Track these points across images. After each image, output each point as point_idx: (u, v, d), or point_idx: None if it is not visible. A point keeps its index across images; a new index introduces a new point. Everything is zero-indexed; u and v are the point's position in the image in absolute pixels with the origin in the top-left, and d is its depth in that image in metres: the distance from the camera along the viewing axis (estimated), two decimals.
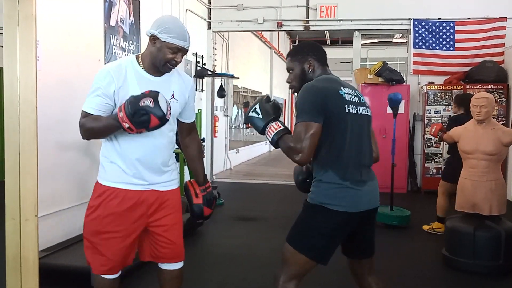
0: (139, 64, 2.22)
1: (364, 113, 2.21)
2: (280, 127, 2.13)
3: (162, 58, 2.16)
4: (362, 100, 2.25)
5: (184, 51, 2.20)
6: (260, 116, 2.18)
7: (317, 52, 2.29)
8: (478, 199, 3.90)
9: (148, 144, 2.21)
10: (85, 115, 2.15)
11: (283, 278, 2.17)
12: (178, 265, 2.39)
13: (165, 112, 1.99)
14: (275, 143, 2.13)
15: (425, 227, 5.20)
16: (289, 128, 2.12)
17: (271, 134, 2.13)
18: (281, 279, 2.17)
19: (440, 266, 4.06)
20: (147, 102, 1.95)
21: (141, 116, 1.96)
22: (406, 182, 7.85)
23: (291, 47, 19.09)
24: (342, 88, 2.15)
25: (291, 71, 2.31)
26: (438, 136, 4.77)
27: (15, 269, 2.19)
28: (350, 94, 2.17)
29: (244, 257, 4.26)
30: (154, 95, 1.99)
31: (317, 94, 2.08)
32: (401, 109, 7.59)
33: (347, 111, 2.10)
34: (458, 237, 3.96)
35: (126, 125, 1.99)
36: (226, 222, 5.64)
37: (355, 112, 2.14)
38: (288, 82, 2.34)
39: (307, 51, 2.28)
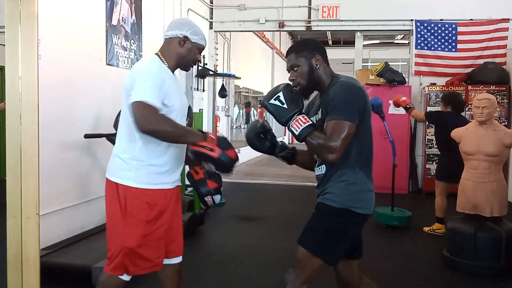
0: (164, 63, 2.27)
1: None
2: (309, 121, 2.00)
3: (191, 58, 2.31)
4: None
5: (203, 50, 2.39)
6: (285, 106, 2.03)
7: (322, 49, 2.20)
8: (479, 200, 3.89)
9: (180, 147, 2.31)
10: (158, 109, 2.06)
11: (296, 283, 2.09)
12: (178, 259, 2.43)
13: (235, 163, 2.16)
14: (302, 138, 2.00)
15: (426, 229, 5.19)
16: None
17: (298, 128, 1.99)
18: (292, 281, 2.09)
19: (441, 267, 4.06)
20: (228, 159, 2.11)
21: (228, 144, 2.12)
22: (407, 183, 7.84)
23: None
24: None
25: (295, 68, 2.15)
26: (406, 106, 5.04)
27: (16, 267, 2.19)
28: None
29: (245, 257, 4.26)
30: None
31: (359, 94, 2.04)
32: (402, 110, 7.58)
33: (370, 113, 2.13)
34: (459, 238, 3.96)
35: (212, 136, 2.09)
36: (227, 222, 5.65)
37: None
38: (292, 80, 2.17)
39: (313, 47, 2.17)
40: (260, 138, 2.22)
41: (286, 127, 2.07)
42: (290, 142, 19.67)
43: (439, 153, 5.30)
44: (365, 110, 2.05)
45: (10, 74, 2.13)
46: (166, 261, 2.38)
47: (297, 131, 2.00)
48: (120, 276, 2.27)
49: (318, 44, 2.23)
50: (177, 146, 2.27)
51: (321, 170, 2.18)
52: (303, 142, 2.03)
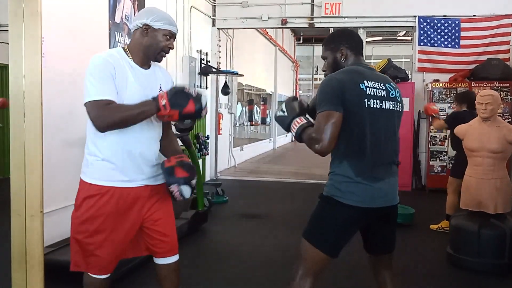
0: (128, 56, 2.19)
1: (391, 108, 2.17)
2: (303, 121, 2.13)
3: (157, 46, 2.17)
4: (392, 94, 2.19)
5: (175, 36, 2.23)
6: (286, 114, 2.21)
7: (351, 40, 2.26)
8: (483, 197, 3.88)
9: (145, 136, 2.21)
10: (106, 103, 2.02)
11: (300, 274, 2.16)
12: (174, 258, 2.37)
13: (202, 107, 2.04)
14: (298, 136, 2.13)
15: (433, 227, 5.16)
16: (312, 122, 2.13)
17: (294, 128, 2.14)
18: (298, 275, 2.17)
19: (445, 264, 4.06)
20: (192, 90, 2.04)
21: (180, 97, 2.01)
22: (411, 180, 7.83)
23: (296, 44, 19.11)
24: (365, 81, 2.10)
25: (325, 60, 2.32)
26: (430, 115, 4.87)
27: (20, 265, 2.20)
28: (375, 88, 2.12)
29: (248, 255, 4.26)
30: (199, 90, 2.09)
31: (335, 85, 2.06)
32: (406, 107, 7.58)
33: (366, 105, 2.07)
34: (463, 235, 3.95)
35: (163, 102, 2.00)
36: (230, 220, 5.65)
37: (377, 106, 2.10)
38: (323, 70, 2.35)
39: (340, 39, 2.26)
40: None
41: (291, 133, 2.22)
42: (293, 139, 19.68)
43: (455, 152, 5.19)
44: (346, 101, 2.04)
45: (14, 72, 2.13)
46: (161, 261, 2.34)
47: (294, 131, 2.15)
48: (92, 275, 2.26)
49: (348, 35, 2.29)
50: (140, 141, 2.19)
51: None
52: (302, 141, 2.14)
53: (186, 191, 2.18)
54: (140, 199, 2.22)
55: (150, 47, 2.18)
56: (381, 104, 2.12)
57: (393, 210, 2.26)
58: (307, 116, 2.21)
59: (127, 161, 2.17)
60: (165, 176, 2.20)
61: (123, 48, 2.22)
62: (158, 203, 2.30)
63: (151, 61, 2.27)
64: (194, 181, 2.22)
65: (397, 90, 2.24)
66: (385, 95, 2.15)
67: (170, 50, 2.24)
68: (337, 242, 2.16)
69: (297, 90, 20.09)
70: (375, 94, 2.11)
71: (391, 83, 2.23)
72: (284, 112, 2.22)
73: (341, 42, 2.25)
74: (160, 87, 2.25)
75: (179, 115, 2.04)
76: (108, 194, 2.16)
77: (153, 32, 2.16)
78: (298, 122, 2.13)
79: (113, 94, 2.06)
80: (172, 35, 2.20)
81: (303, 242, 2.19)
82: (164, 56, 2.25)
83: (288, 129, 2.20)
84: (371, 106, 2.09)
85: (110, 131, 2.09)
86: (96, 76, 2.06)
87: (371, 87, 2.11)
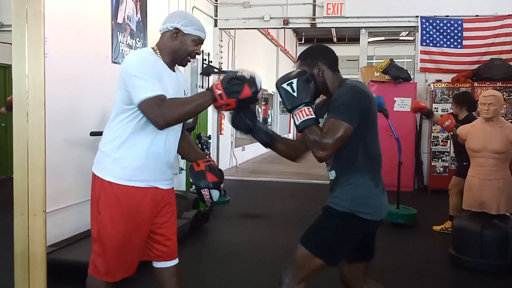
0: (158, 56, 2.15)
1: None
2: (312, 115, 2.01)
3: (185, 51, 2.15)
4: None
5: (202, 42, 2.20)
6: (295, 94, 2.03)
7: (327, 56, 2.20)
8: (486, 198, 3.88)
9: (170, 138, 2.17)
10: (161, 99, 1.95)
11: (292, 281, 2.11)
12: (173, 262, 2.32)
13: (258, 89, 1.97)
14: (301, 130, 2.03)
15: (436, 228, 5.15)
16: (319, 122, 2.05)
17: (300, 118, 2.01)
18: (288, 279, 2.12)
19: (447, 265, 4.05)
20: (245, 74, 1.96)
21: (235, 84, 1.95)
22: (413, 181, 7.82)
23: (297, 44, 19.09)
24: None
25: None
26: (451, 132, 4.69)
27: (23, 264, 2.21)
28: None
29: (250, 254, 4.27)
30: (252, 71, 2.00)
31: (363, 96, 2.03)
32: (408, 107, 7.57)
33: (376, 120, 2.12)
34: (465, 236, 3.94)
35: (218, 92, 1.94)
36: (232, 219, 5.65)
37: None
38: None
39: (317, 55, 2.19)
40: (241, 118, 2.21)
41: (291, 114, 2.09)
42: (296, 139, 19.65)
43: (460, 155, 5.10)
44: (369, 112, 2.04)
45: (17, 72, 2.14)
46: (160, 265, 2.29)
47: (298, 121, 2.02)
48: (105, 281, 2.19)
49: (324, 51, 2.22)
50: (165, 143, 2.14)
51: (332, 175, 2.19)
52: (301, 133, 2.06)
53: (216, 194, 2.22)
54: (155, 201, 2.18)
55: (178, 51, 2.15)
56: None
57: None
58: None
59: (151, 162, 2.12)
60: (195, 179, 2.21)
61: (153, 48, 2.18)
62: (167, 206, 2.27)
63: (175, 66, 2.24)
64: (222, 185, 2.26)
65: None
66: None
67: (197, 56, 2.22)
68: (344, 254, 2.15)
69: None
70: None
71: None
72: (294, 90, 2.03)
73: (318, 58, 2.18)
74: (184, 92, 2.26)
75: (237, 102, 1.97)
76: (135, 195, 2.11)
77: (182, 36, 2.14)
78: (307, 113, 2.00)
79: (163, 89, 2.00)
80: (200, 41, 2.18)
81: (300, 249, 2.13)
82: (190, 61, 2.23)
83: (290, 111, 2.07)
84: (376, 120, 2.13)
85: (177, 124, 2.07)
86: (143, 73, 1.98)
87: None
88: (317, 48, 2.27)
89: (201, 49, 2.23)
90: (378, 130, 2.13)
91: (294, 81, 2.04)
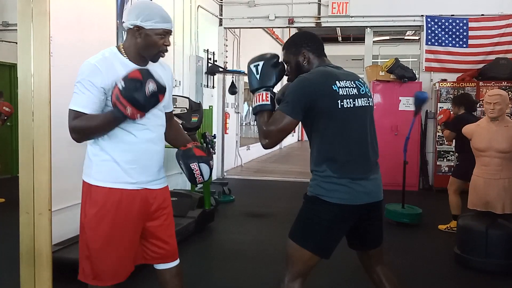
0: (123, 55, 2.05)
1: (364, 104, 2.15)
2: (268, 101, 2.10)
3: (153, 48, 2.02)
4: (363, 91, 2.17)
5: (170, 32, 2.05)
6: (258, 76, 2.12)
7: (312, 42, 2.21)
8: (491, 197, 3.86)
9: (151, 136, 2.10)
10: (77, 115, 1.95)
11: (288, 278, 2.15)
12: (175, 262, 2.27)
13: (162, 84, 1.90)
14: (255, 113, 2.12)
15: (442, 227, 5.15)
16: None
17: (256, 102, 2.11)
18: (286, 279, 2.16)
19: (452, 264, 4.04)
20: (151, 86, 1.84)
21: (151, 101, 1.87)
22: (418, 180, 7.79)
23: None
24: (337, 82, 2.08)
25: (286, 64, 2.25)
26: (439, 127, 4.82)
27: (29, 262, 2.22)
28: (346, 87, 2.10)
29: (254, 253, 4.27)
30: (146, 72, 1.87)
31: (307, 89, 2.04)
32: (413, 107, 7.54)
33: (339, 106, 2.06)
34: (470, 235, 3.93)
35: (138, 116, 1.87)
36: (237, 218, 5.66)
37: (351, 106, 2.09)
38: (286, 75, 2.27)
39: (301, 42, 2.21)
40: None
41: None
42: (300, 139, 19.66)
43: (458, 154, 5.25)
44: (319, 105, 2.03)
45: (23, 71, 2.15)
46: (161, 267, 2.25)
47: (255, 103, 2.12)
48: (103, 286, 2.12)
49: (308, 38, 2.23)
50: (151, 142, 2.09)
51: None
52: (255, 115, 2.13)
53: (206, 170, 2.16)
54: (146, 202, 2.12)
55: (146, 49, 2.03)
56: (354, 102, 2.10)
57: (378, 206, 2.24)
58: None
59: (131, 162, 2.05)
60: (182, 158, 2.16)
61: (118, 47, 2.08)
62: (162, 208, 2.20)
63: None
64: (212, 163, 2.19)
65: (366, 85, 2.24)
66: (357, 93, 2.13)
67: (168, 48, 2.08)
68: (326, 242, 2.14)
69: None
70: (348, 93, 2.09)
71: (360, 80, 2.22)
72: (258, 72, 2.11)
73: (302, 45, 2.20)
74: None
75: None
76: (118, 197, 2.04)
77: (145, 32, 1.99)
78: (264, 98, 2.10)
79: (94, 105, 1.96)
80: (166, 33, 2.03)
81: (289, 243, 2.17)
82: (163, 56, 2.11)
83: (252, 93, 2.15)
84: (345, 106, 2.07)
85: (86, 140, 2.05)
86: (79, 85, 1.97)
87: (343, 87, 2.09)
88: (300, 35, 2.28)
89: (170, 40, 2.08)
90: (344, 121, 2.07)
91: (261, 63, 2.13)
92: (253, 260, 4.08)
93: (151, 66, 2.09)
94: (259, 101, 2.10)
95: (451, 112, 5.29)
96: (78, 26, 4.35)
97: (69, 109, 1.97)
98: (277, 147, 15.33)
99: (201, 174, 2.14)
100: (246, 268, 3.89)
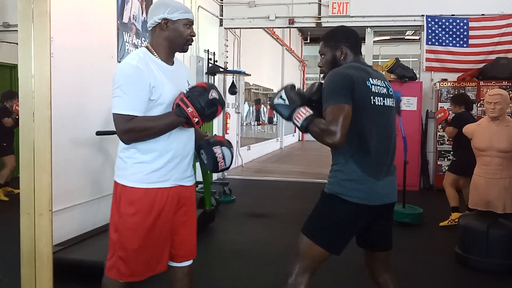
0: (154, 55, 2.12)
1: (391, 105, 2.19)
2: (309, 111, 2.07)
3: (182, 37, 2.12)
4: (390, 91, 2.22)
5: (193, 23, 2.18)
6: (286, 102, 2.13)
7: (351, 39, 2.24)
8: (492, 197, 3.86)
9: (184, 136, 2.16)
10: (128, 118, 1.98)
11: (297, 270, 2.14)
12: (189, 261, 2.31)
13: (222, 98, 2.04)
14: (304, 128, 2.06)
15: (443, 223, 5.19)
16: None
17: (299, 119, 2.07)
18: (294, 271, 2.15)
19: (453, 264, 4.04)
20: (214, 94, 2.01)
21: (211, 108, 2.00)
22: (419, 180, 7.79)
23: (303, 44, 19.08)
24: (370, 79, 2.11)
25: (322, 56, 2.28)
26: (440, 125, 4.89)
27: (29, 263, 2.22)
28: (378, 85, 2.13)
29: (255, 254, 4.27)
30: (213, 85, 2.04)
31: (345, 79, 2.05)
32: (414, 106, 7.56)
33: (372, 103, 2.08)
34: (471, 235, 3.93)
35: (196, 120, 1.99)
36: (238, 219, 5.66)
37: (381, 104, 2.12)
38: (319, 66, 2.31)
39: (341, 38, 2.23)
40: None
41: (292, 123, 2.15)
42: (300, 139, 19.67)
43: (455, 151, 5.37)
44: (355, 96, 2.03)
45: (23, 72, 2.15)
46: (175, 264, 2.27)
47: (299, 122, 2.08)
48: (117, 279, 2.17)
49: (348, 34, 2.26)
50: (184, 140, 2.16)
51: None
52: (308, 133, 2.08)
53: (228, 155, 2.22)
54: (175, 199, 2.17)
55: (175, 40, 2.12)
56: (383, 101, 2.14)
57: (392, 207, 2.27)
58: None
59: (169, 162, 2.11)
60: (205, 146, 2.22)
61: (147, 47, 2.15)
62: (188, 205, 2.25)
63: (174, 56, 2.22)
64: (233, 150, 2.27)
65: (390, 87, 2.27)
66: (386, 92, 2.17)
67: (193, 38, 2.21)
68: (339, 239, 2.15)
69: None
70: (379, 91, 2.13)
71: (387, 81, 2.25)
72: (284, 100, 2.14)
73: (341, 41, 2.22)
74: (188, 82, 2.22)
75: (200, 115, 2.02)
76: (156, 196, 2.09)
77: (173, 24, 2.10)
78: (304, 112, 2.06)
79: (143, 107, 2.02)
80: (191, 23, 2.15)
81: (302, 238, 2.18)
82: (191, 45, 2.20)
83: (289, 119, 2.14)
84: (376, 103, 2.10)
85: (142, 141, 2.07)
86: (125, 87, 1.99)
87: (375, 85, 2.12)
88: (341, 30, 2.29)
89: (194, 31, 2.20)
90: (373, 117, 2.10)
91: (282, 92, 2.16)
92: (254, 260, 4.08)
93: (176, 66, 2.21)
94: (301, 117, 2.06)
95: (449, 111, 5.40)
96: (79, 27, 4.35)
97: (117, 114, 2.00)
98: (278, 147, 15.35)
99: (224, 159, 2.20)
100: (246, 268, 3.89)
